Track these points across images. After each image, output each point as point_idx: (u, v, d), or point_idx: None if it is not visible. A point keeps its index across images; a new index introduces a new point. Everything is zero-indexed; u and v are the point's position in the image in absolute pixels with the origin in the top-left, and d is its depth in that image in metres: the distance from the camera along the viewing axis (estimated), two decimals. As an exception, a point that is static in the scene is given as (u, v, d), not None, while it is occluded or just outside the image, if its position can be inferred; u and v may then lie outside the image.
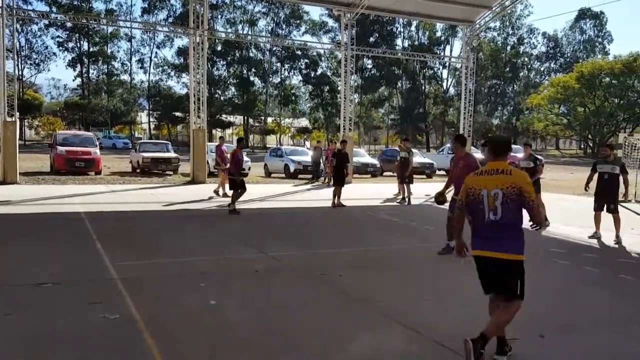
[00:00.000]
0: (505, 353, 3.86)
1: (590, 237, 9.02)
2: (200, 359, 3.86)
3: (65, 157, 19.67)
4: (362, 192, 16.95)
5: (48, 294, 5.20)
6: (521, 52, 67.42)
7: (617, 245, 8.55)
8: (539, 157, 11.05)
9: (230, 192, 11.89)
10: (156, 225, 9.80)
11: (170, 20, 56.22)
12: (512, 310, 3.81)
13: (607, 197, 8.80)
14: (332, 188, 13.24)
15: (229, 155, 12.49)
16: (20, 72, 52.06)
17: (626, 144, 16.62)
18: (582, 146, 61.09)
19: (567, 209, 12.95)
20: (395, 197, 15.11)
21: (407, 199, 14.17)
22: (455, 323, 4.60)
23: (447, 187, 7.66)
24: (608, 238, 8.90)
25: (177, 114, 58.44)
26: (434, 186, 19.27)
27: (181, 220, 10.74)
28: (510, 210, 3.75)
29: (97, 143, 22.60)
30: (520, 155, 31.40)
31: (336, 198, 12.77)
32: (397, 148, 20.37)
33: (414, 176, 15.33)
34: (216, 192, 14.59)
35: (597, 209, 8.97)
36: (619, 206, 8.97)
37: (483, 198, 3.82)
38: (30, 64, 56.25)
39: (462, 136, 8.05)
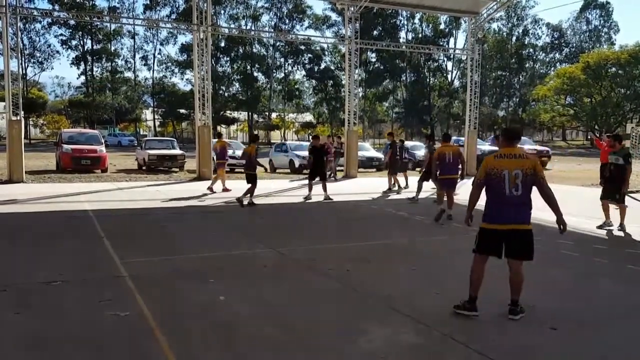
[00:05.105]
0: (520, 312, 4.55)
1: (598, 227, 9.03)
2: (212, 354, 3.88)
3: (71, 155, 19.73)
4: (367, 186, 16.91)
5: (57, 293, 5.22)
6: (527, 43, 66.92)
7: (622, 233, 8.68)
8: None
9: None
10: (163, 222, 9.82)
11: (174, 16, 56.20)
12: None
13: (612, 187, 8.98)
14: (336, 182, 13.25)
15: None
16: (24, 71, 52.29)
17: (633, 134, 16.53)
18: (589, 137, 60.70)
19: (575, 200, 12.86)
20: (401, 189, 15.23)
21: (399, 188, 15.13)
22: (464, 316, 4.59)
23: None
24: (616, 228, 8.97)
25: (182, 110, 58.41)
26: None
27: (188, 216, 10.77)
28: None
29: (103, 141, 22.66)
30: (527, 147, 31.27)
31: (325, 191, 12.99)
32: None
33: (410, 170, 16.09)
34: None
35: (603, 197, 9.13)
36: (625, 196, 9.07)
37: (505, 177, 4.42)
38: (34, 63, 56.48)
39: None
